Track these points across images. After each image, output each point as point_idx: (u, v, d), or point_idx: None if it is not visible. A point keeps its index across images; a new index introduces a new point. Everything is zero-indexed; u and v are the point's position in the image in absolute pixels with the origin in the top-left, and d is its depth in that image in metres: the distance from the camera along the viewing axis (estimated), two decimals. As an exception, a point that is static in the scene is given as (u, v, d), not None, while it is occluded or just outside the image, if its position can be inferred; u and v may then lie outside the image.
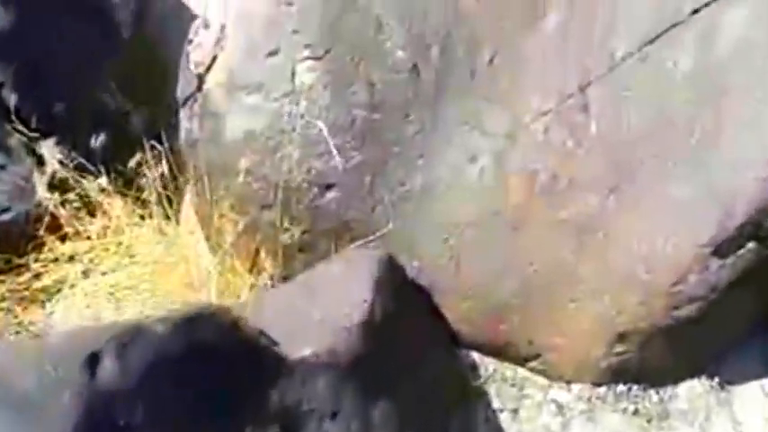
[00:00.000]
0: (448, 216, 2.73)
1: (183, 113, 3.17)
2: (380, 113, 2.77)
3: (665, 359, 2.71)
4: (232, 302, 2.67)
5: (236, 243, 3.01)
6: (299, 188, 2.79)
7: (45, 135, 3.49)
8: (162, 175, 3.35)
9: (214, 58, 2.96)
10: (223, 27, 3.01)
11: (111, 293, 3.14)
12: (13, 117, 3.30)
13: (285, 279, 2.92)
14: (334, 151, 2.58)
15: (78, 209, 3.36)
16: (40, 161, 3.48)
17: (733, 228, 2.47)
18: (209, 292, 3.07)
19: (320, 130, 2.61)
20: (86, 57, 3.57)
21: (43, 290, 3.21)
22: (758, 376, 2.78)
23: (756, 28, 2.46)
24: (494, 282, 2.71)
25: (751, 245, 2.47)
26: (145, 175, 3.33)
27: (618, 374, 2.74)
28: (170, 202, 3.41)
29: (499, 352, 2.84)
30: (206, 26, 3.09)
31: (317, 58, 2.77)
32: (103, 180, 3.37)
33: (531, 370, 2.85)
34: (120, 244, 3.34)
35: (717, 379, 2.80)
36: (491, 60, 2.74)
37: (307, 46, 2.77)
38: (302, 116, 2.65)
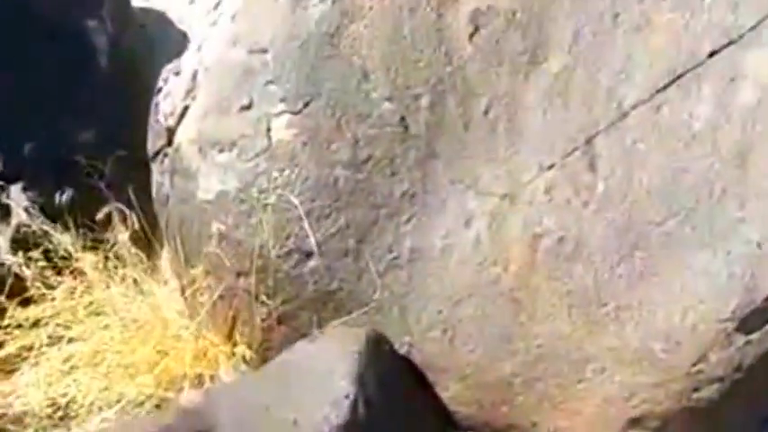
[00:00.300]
0: (441, 286, 2.58)
1: (154, 166, 2.97)
2: (365, 172, 2.62)
3: (683, 445, 2.53)
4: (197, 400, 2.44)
5: (212, 310, 2.82)
6: (276, 255, 2.64)
7: (10, 180, 3.37)
8: (134, 228, 3.22)
9: (185, 110, 2.76)
10: (195, 74, 2.81)
11: (73, 367, 2.92)
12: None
13: (266, 351, 2.77)
14: (310, 234, 2.37)
15: (44, 267, 3.18)
16: (5, 210, 3.36)
17: (759, 300, 2.31)
18: (184, 360, 2.90)
19: (295, 206, 2.40)
20: (58, 87, 3.43)
21: (5, 360, 3.05)
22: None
23: (784, 72, 2.33)
24: (493, 359, 2.54)
25: (780, 319, 2.32)
26: (116, 228, 3.20)
27: (631, 461, 2.56)
28: (145, 256, 3.27)
29: (500, 435, 2.66)
30: (177, 73, 2.91)
31: (295, 113, 2.63)
32: (72, 234, 3.24)
33: (536, 454, 2.67)
34: (90, 305, 3.19)
35: (744, 464, 2.59)
36: (486, 111, 2.59)
37: (283, 99, 2.64)
38: (275, 188, 2.42)
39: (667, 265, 2.39)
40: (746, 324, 2.32)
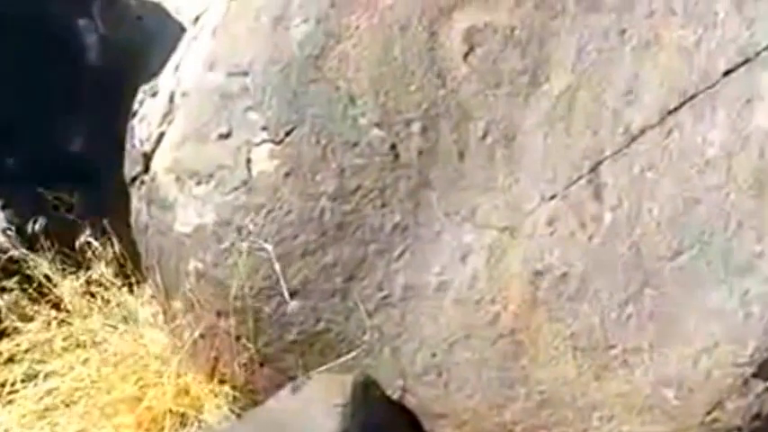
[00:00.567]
0: (435, 326, 2.49)
1: (132, 191, 2.86)
2: (352, 205, 2.53)
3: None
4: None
5: (194, 348, 2.74)
6: (258, 295, 2.56)
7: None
8: (115, 253, 3.19)
9: (161, 136, 2.65)
10: (172, 96, 2.68)
11: (49, 409, 2.84)
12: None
13: (250, 392, 2.69)
14: (286, 294, 2.25)
15: (20, 297, 3.12)
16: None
17: (780, 343, 2.28)
18: (166, 397, 2.83)
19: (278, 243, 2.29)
20: (46, 89, 3.42)
21: (-22, 399, 2.98)
22: None
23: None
24: (492, 405, 2.46)
25: (801, 364, 2.28)
26: (96, 253, 3.17)
27: None
28: (127, 284, 3.20)
29: (501, 486, 2.66)
30: (153, 94, 2.77)
31: (277, 142, 2.54)
32: (49, 259, 3.20)
33: (539, 507, 2.66)
34: (68, 337, 3.10)
35: None
36: (483, 137, 2.51)
37: (264, 127, 2.55)
38: (249, 234, 2.31)
39: (679, 304, 2.33)
40: (765, 369, 2.26)
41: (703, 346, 2.28)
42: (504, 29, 2.50)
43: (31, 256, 3.20)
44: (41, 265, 3.19)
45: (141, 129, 2.74)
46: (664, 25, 2.42)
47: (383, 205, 2.51)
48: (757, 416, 2.27)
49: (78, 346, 3.06)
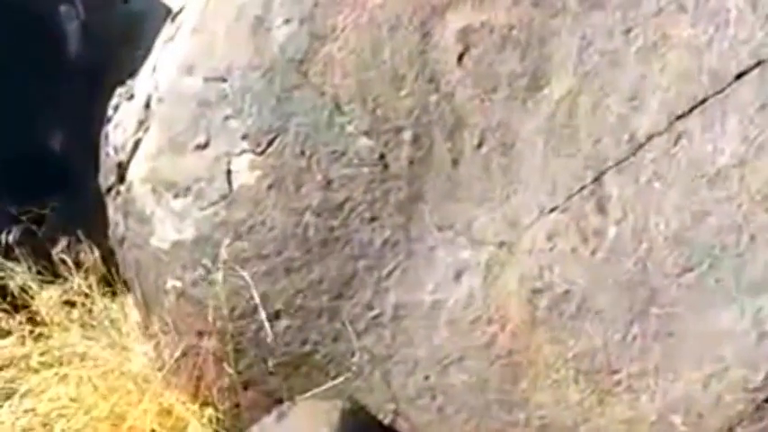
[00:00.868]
0: (429, 347, 2.46)
1: (108, 201, 2.82)
2: (339, 219, 2.50)
3: None
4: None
5: (177, 366, 2.71)
6: (241, 314, 2.52)
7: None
8: (96, 260, 3.18)
9: (136, 144, 2.58)
10: (148, 101, 2.59)
11: (26, 430, 2.80)
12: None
13: (234, 415, 2.65)
14: (266, 324, 2.17)
15: (-4, 308, 3.14)
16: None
17: (793, 366, 2.28)
18: (147, 415, 2.80)
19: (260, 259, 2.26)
20: (26, 78, 3.38)
21: (-48, 421, 2.94)
22: None
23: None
24: (490, 430, 2.44)
25: (816, 388, 2.29)
26: (79, 258, 3.16)
27: None
28: (109, 293, 3.19)
29: None
30: (130, 97, 2.67)
31: (258, 152, 2.49)
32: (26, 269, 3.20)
33: None
34: (45, 353, 3.06)
35: None
36: (479, 145, 2.46)
37: (244, 137, 2.50)
38: (224, 262, 2.23)
39: (687, 324, 2.30)
40: (778, 394, 2.29)
41: (713, 369, 2.25)
42: (501, 29, 2.45)
43: (9, 264, 3.16)
44: (17, 276, 3.14)
45: (116, 135, 2.71)
46: (672, 24, 2.36)
47: (372, 219, 2.49)
48: (770, 442, 2.31)
49: (56, 361, 3.02)
